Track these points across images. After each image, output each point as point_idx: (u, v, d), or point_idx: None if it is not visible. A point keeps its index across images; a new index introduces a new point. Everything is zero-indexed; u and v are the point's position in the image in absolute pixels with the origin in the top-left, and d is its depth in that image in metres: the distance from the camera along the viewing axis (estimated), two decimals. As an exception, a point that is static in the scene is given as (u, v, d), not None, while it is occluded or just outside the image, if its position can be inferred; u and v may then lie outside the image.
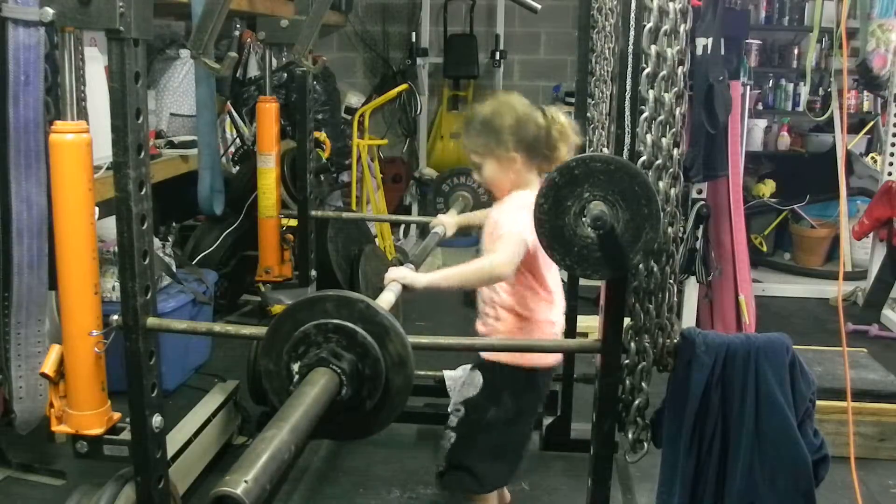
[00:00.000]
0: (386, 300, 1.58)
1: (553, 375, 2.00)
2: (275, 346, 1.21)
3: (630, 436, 1.54)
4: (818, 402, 1.55)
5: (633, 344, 1.47)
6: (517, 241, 1.71)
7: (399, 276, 1.66)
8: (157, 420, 1.52)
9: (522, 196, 1.79)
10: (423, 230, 5.33)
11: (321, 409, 1.06)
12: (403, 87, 4.75)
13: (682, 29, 1.38)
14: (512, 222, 1.74)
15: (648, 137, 1.38)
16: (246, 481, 0.85)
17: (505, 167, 1.82)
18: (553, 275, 1.91)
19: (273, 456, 0.90)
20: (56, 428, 1.62)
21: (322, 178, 4.04)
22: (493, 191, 1.92)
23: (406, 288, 1.64)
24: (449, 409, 1.93)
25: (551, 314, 1.89)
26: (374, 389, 1.18)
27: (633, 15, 1.35)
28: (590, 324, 3.08)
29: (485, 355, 1.88)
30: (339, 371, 1.14)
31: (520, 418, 1.90)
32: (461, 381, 2.01)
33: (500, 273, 1.72)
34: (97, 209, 1.57)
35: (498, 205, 1.88)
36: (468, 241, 2.48)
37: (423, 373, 2.44)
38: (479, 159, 1.85)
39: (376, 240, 4.33)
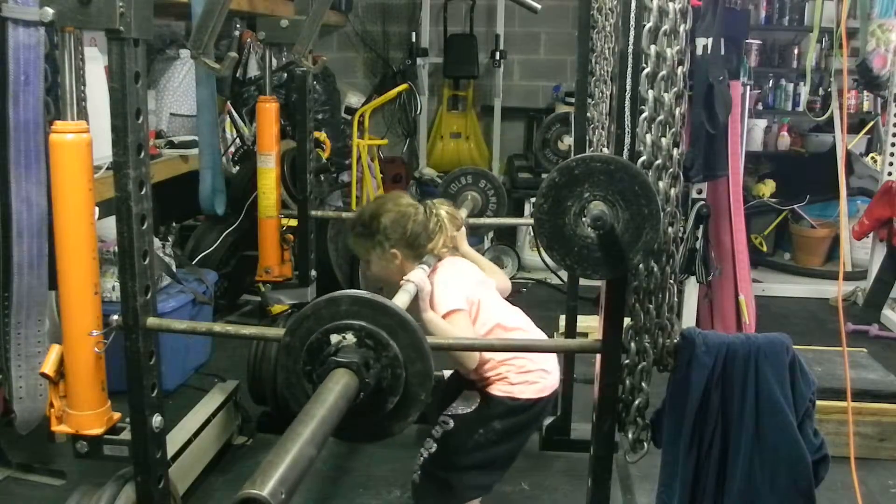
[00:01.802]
0: (401, 301, 1.58)
1: (552, 402, 2.01)
2: (294, 346, 1.20)
3: (630, 436, 1.54)
4: (818, 402, 1.55)
5: (633, 344, 1.47)
6: (464, 322, 1.83)
7: (417, 279, 1.67)
8: (157, 420, 1.52)
9: (443, 269, 1.91)
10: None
11: (341, 411, 1.06)
12: (403, 87, 4.75)
13: (682, 29, 1.38)
14: (448, 300, 1.83)
15: (648, 137, 1.38)
16: (271, 484, 0.85)
17: (388, 262, 1.94)
18: (514, 316, 1.98)
19: (296, 459, 0.91)
20: (56, 428, 1.61)
21: (322, 178, 4.03)
22: (384, 284, 2.02)
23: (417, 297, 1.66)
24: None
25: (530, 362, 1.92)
26: (393, 391, 1.17)
27: (633, 15, 1.35)
28: (590, 324, 3.09)
29: (482, 386, 1.92)
30: (359, 373, 1.14)
31: (506, 441, 1.92)
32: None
33: (468, 364, 1.84)
34: (97, 209, 1.56)
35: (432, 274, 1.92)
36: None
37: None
38: (365, 257, 1.98)
39: (376, 240, 4.32)
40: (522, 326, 1.98)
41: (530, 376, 1.90)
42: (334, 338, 1.17)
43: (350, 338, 1.17)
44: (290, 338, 1.20)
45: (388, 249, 1.92)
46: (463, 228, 2.10)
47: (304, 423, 0.98)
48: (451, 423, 1.90)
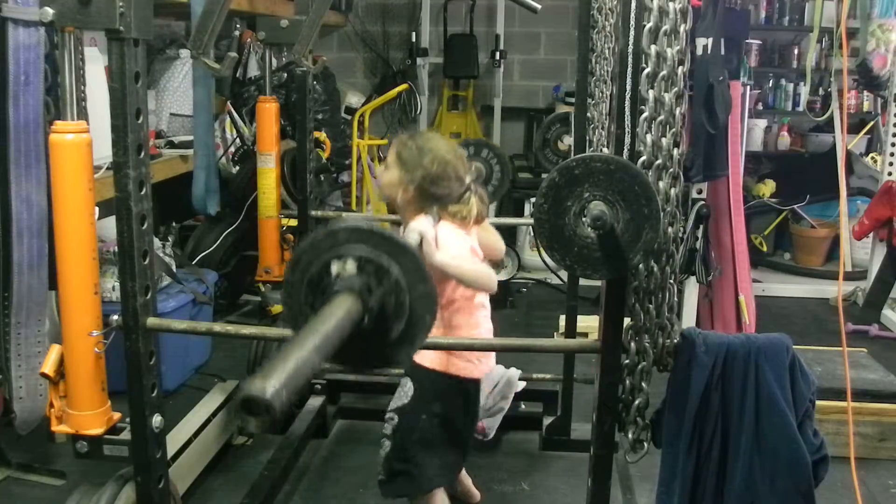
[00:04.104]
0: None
1: (478, 387, 2.04)
2: (295, 282, 1.18)
3: (630, 436, 1.54)
4: (818, 402, 1.55)
5: (633, 344, 1.47)
6: (471, 258, 1.85)
7: (420, 228, 1.68)
8: (157, 420, 1.52)
9: (445, 225, 1.90)
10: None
11: (344, 329, 1.04)
12: (403, 87, 4.75)
13: (682, 29, 1.38)
14: (454, 245, 1.84)
15: (648, 137, 1.38)
16: (273, 386, 0.84)
17: (397, 188, 1.91)
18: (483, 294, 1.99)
19: (299, 365, 0.89)
20: (56, 428, 1.62)
21: (322, 178, 4.03)
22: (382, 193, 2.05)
23: (421, 245, 1.67)
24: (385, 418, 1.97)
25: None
26: (398, 316, 1.15)
27: (633, 15, 1.35)
28: (590, 324, 3.08)
29: (417, 360, 1.92)
30: (361, 296, 1.12)
31: (451, 421, 1.94)
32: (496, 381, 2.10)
33: (493, 285, 1.84)
34: (97, 209, 1.57)
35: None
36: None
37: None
38: (391, 162, 1.94)
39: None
40: (486, 305, 2.00)
41: (465, 353, 1.93)
42: (334, 268, 1.15)
43: (350, 266, 1.15)
44: (290, 274, 1.19)
45: (410, 183, 1.89)
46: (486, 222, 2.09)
47: (307, 334, 0.97)
48: (396, 418, 1.94)
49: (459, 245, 1.86)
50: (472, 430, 2.05)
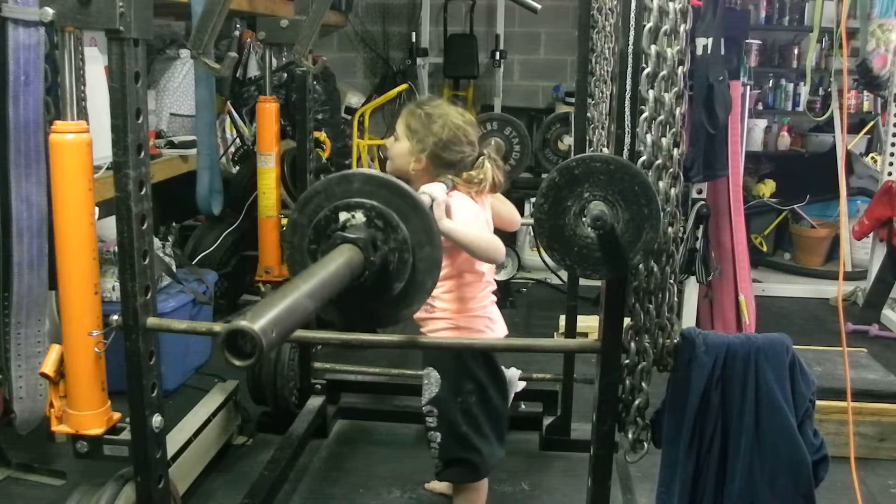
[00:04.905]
0: None
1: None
2: (301, 223, 1.18)
3: (630, 436, 1.54)
4: (818, 402, 1.55)
5: (633, 344, 1.47)
6: (482, 225, 1.87)
7: (432, 191, 1.67)
8: (157, 420, 1.52)
9: (460, 194, 1.89)
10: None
11: (343, 279, 1.03)
12: (403, 87, 4.74)
13: (682, 29, 1.38)
14: (466, 214, 1.83)
15: (648, 137, 1.38)
16: (263, 321, 0.82)
17: (408, 158, 1.90)
18: (491, 267, 2.00)
19: (292, 306, 0.87)
20: (56, 428, 1.62)
21: (322, 178, 4.03)
22: (388, 164, 2.02)
23: (431, 208, 1.66)
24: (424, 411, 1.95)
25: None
26: (399, 276, 1.15)
27: (633, 15, 1.35)
28: (590, 324, 3.08)
29: (430, 335, 1.92)
30: (365, 250, 1.11)
31: (486, 394, 1.93)
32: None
33: (501, 255, 1.82)
34: (97, 209, 1.57)
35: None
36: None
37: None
38: (400, 132, 1.93)
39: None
40: (493, 282, 2.01)
41: (477, 322, 1.93)
42: (343, 216, 1.14)
43: (359, 216, 1.14)
44: (297, 214, 1.18)
45: (421, 152, 1.88)
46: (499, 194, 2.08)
47: (304, 278, 0.96)
48: (436, 410, 1.92)
49: (471, 215, 1.85)
50: (506, 403, 2.02)
